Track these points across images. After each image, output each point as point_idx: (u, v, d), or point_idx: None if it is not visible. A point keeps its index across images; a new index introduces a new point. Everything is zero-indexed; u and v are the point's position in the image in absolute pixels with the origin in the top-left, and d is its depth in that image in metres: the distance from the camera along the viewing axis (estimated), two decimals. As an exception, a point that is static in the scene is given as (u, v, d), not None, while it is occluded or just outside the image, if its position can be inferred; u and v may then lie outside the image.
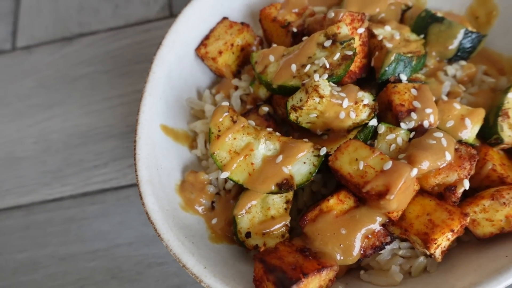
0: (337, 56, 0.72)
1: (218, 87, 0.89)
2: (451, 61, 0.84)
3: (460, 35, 0.81)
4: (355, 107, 0.69)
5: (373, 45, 0.80)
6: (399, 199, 0.60)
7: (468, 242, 0.69)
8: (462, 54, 0.83)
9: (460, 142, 0.71)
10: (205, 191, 0.77)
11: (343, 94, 0.68)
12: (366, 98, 0.70)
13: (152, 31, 1.23)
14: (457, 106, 0.72)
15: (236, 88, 0.87)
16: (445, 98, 0.75)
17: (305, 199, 0.76)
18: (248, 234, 0.70)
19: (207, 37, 0.88)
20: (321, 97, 0.67)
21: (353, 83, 0.78)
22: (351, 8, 0.86)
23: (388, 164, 0.61)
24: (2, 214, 1.05)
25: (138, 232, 0.95)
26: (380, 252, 0.69)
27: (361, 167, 0.63)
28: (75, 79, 1.20)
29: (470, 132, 0.71)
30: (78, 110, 1.15)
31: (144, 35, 1.23)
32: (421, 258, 0.67)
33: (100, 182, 1.04)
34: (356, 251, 0.65)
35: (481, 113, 0.72)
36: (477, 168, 0.71)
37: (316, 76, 0.69)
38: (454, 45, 0.82)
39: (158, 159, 0.76)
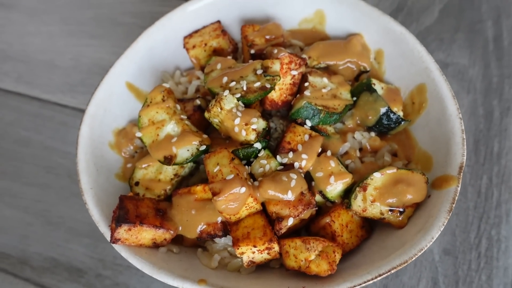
0: (257, 84, 0.88)
1: (188, 72, 1.09)
2: (370, 129, 0.94)
3: (381, 111, 0.91)
4: (246, 128, 0.85)
5: (301, 88, 0.93)
6: (226, 204, 0.77)
7: (280, 268, 0.83)
8: (380, 127, 0.93)
9: (320, 193, 0.84)
10: (133, 141, 1.00)
11: (239, 114, 0.85)
12: (256, 124, 0.85)
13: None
14: (332, 164, 0.84)
15: (198, 78, 1.06)
16: (329, 153, 0.87)
17: (195, 181, 0.95)
18: (137, 183, 0.92)
19: (196, 31, 1.08)
20: (221, 108, 0.85)
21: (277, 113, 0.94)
22: (313, 52, 1.00)
23: (230, 176, 0.78)
24: (26, 99, 1.39)
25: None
26: (215, 241, 0.86)
27: (215, 170, 0.80)
28: (119, 24, 1.48)
29: (331, 188, 0.83)
30: (109, 48, 1.44)
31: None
32: (239, 260, 0.83)
33: (95, 106, 1.33)
34: (195, 230, 0.83)
35: (347, 178, 0.83)
36: (320, 217, 0.83)
37: (226, 91, 0.86)
38: (373, 117, 0.91)
39: (111, 104, 0.99)
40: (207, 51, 1.05)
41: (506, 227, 0.98)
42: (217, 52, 1.06)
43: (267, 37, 1.02)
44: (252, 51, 0.99)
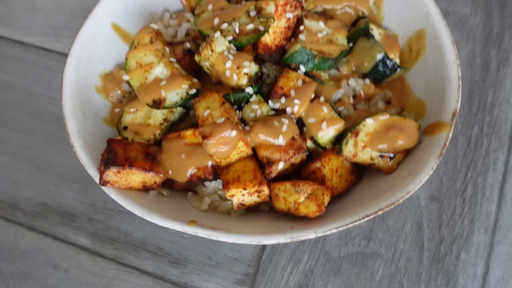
0: (250, 26, 0.84)
1: (178, 15, 1.04)
2: (365, 75, 0.92)
3: (377, 58, 0.88)
4: (237, 71, 0.82)
5: (296, 32, 0.89)
6: (216, 148, 0.76)
7: (269, 211, 0.85)
8: (375, 74, 0.91)
9: (312, 138, 0.83)
10: (120, 85, 0.97)
11: (231, 57, 0.82)
12: (248, 68, 0.82)
13: None
14: (325, 110, 0.83)
15: (188, 20, 1.01)
16: (322, 99, 0.85)
17: (185, 126, 0.93)
18: (125, 128, 0.90)
19: (187, -31, 1.01)
20: (212, 51, 0.81)
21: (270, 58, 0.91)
22: (309, -6, 0.94)
23: (221, 120, 0.76)
24: (8, 42, 1.32)
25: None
26: (206, 184, 0.86)
27: (205, 114, 0.78)
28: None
29: (323, 134, 0.82)
30: (93, -12, 1.36)
31: None
32: (229, 202, 0.84)
33: (81, 51, 1.28)
34: (184, 173, 0.83)
35: (339, 124, 0.82)
36: (310, 162, 0.83)
37: (217, 33, 0.82)
38: (369, 64, 0.89)
39: (96, 46, 0.95)
40: (198, -9, 0.99)
41: (492, 175, 1.00)
42: (208, -7, 1.00)
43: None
44: (246, -10, 0.94)
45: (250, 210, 0.86)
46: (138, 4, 1.01)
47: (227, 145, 0.76)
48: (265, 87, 0.91)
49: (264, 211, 0.86)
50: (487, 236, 0.95)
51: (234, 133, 0.75)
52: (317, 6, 0.94)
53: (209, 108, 0.79)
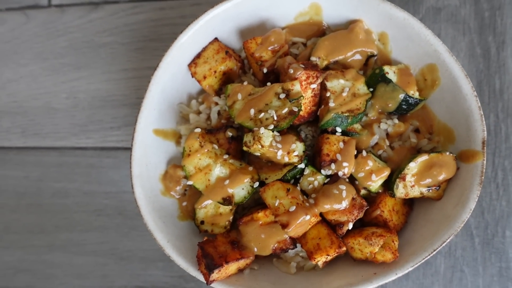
0: (285, 110, 0.93)
1: (203, 97, 1.11)
2: (390, 114, 1.02)
3: (399, 98, 0.97)
4: (288, 155, 0.93)
5: (322, 97, 0.98)
6: (295, 230, 0.89)
7: (345, 257, 1.00)
8: (400, 111, 1.01)
9: (364, 188, 0.96)
10: (180, 182, 1.07)
11: (279, 145, 0.92)
12: (297, 150, 0.93)
13: (166, 10, 1.38)
14: (370, 163, 0.94)
15: (216, 103, 1.09)
16: (364, 153, 0.96)
17: (249, 202, 1.05)
18: (202, 222, 1.03)
19: (198, 56, 1.07)
20: (262, 146, 0.91)
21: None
22: (320, 52, 1.02)
23: (293, 208, 0.89)
24: (43, 151, 1.40)
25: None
26: (287, 251, 1.01)
27: (276, 204, 0.91)
28: (99, 46, 1.42)
29: (374, 184, 0.95)
30: (100, 76, 1.40)
31: (159, 13, 1.39)
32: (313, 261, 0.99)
33: (114, 141, 1.36)
34: (269, 249, 0.96)
35: (385, 172, 0.94)
36: (370, 209, 0.97)
37: (262, 129, 0.91)
38: (393, 105, 0.98)
39: (148, 157, 1.04)
40: (218, 76, 1.06)
41: (516, 156, 1.14)
42: (226, 74, 1.07)
43: (271, 48, 1.03)
44: (265, 70, 1.01)
45: (331, 261, 1.00)
46: (167, 102, 1.08)
47: (303, 226, 0.89)
48: (308, 150, 1.02)
49: (341, 258, 1.01)
50: (524, 211, 1.11)
51: (308, 217, 0.88)
52: (330, 61, 1.02)
53: (277, 197, 0.91)
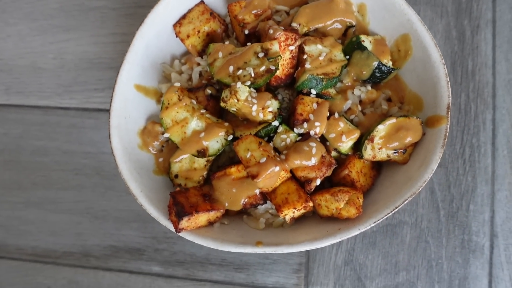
0: (263, 68, 0.96)
1: (186, 58, 1.14)
2: (365, 81, 1.06)
3: (373, 66, 1.02)
4: (263, 111, 0.96)
5: (300, 60, 1.02)
6: (264, 182, 0.92)
7: (313, 215, 1.03)
8: (373, 79, 1.05)
9: (335, 149, 0.99)
10: (157, 138, 1.10)
11: (255, 100, 0.95)
12: (272, 106, 0.96)
13: (157, -21, 1.41)
14: (341, 124, 0.98)
15: (198, 64, 1.12)
16: (337, 115, 1.00)
17: (224, 160, 1.08)
18: (176, 176, 1.05)
19: (183, 17, 1.10)
20: (238, 100, 0.94)
21: (281, 85, 1.04)
22: (301, 19, 1.05)
23: (263, 159, 0.92)
24: (26, 110, 1.41)
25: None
26: (257, 207, 1.03)
27: (248, 155, 0.93)
28: (89, 9, 1.44)
29: (344, 145, 0.98)
30: (89, 39, 1.42)
31: (149, -19, 1.42)
32: (281, 218, 1.02)
33: (97, 102, 1.37)
34: (239, 204, 0.99)
35: (355, 133, 0.98)
36: (339, 169, 1.00)
37: (239, 84, 0.94)
38: (367, 73, 1.03)
39: (128, 110, 1.06)
40: (201, 37, 1.09)
41: (483, 134, 1.18)
42: (210, 35, 1.10)
43: (254, 11, 1.06)
44: (246, 32, 1.04)
45: (298, 219, 1.03)
46: (150, 59, 1.11)
47: (273, 178, 0.92)
48: (284, 111, 1.05)
49: (308, 217, 1.04)
50: (488, 186, 1.15)
51: (277, 168, 0.91)
52: (310, 28, 1.06)
53: (249, 149, 0.94)
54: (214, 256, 1.24)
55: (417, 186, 0.91)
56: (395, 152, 0.98)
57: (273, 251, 0.93)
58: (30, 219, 1.35)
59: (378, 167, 1.04)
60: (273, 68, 0.96)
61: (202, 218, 0.97)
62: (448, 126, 0.93)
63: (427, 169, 0.91)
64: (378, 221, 0.91)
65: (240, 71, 0.97)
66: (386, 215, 0.91)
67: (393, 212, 0.91)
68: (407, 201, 0.91)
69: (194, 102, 1.02)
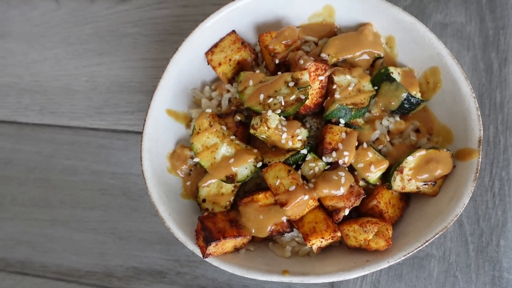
0: (293, 97, 0.98)
1: (216, 85, 1.17)
2: (393, 112, 1.07)
3: (402, 97, 1.02)
4: (292, 139, 0.97)
5: (329, 90, 1.04)
6: (293, 210, 0.92)
7: (340, 245, 1.01)
8: (402, 110, 1.05)
9: (363, 179, 0.99)
10: (186, 162, 1.12)
11: (284, 129, 0.96)
12: (301, 135, 0.97)
13: (189, 8, 1.47)
14: (370, 154, 0.98)
15: (228, 91, 1.15)
16: (365, 145, 1.00)
17: (250, 186, 1.09)
18: (203, 200, 1.06)
19: (215, 45, 1.14)
20: (268, 128, 0.96)
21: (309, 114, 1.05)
22: (330, 50, 1.08)
23: (293, 187, 0.92)
24: (57, 129, 1.46)
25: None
26: (283, 235, 1.03)
27: (277, 183, 0.94)
28: (122, 35, 1.50)
29: (372, 175, 0.98)
30: (120, 63, 1.48)
31: (181, 10, 1.48)
32: (307, 246, 1.01)
33: (127, 125, 1.41)
34: (266, 231, 0.99)
35: (384, 164, 0.98)
36: (367, 200, 1.00)
37: (269, 112, 0.96)
38: (396, 103, 1.03)
39: (159, 134, 1.09)
40: (232, 65, 1.13)
41: (513, 167, 1.16)
42: (240, 64, 1.13)
43: (284, 42, 1.09)
44: (277, 61, 1.07)
45: (325, 248, 1.02)
46: (182, 85, 1.14)
47: (301, 206, 0.92)
48: (312, 140, 1.06)
49: (335, 246, 1.03)
50: (519, 221, 1.13)
51: (306, 197, 0.91)
52: (339, 58, 1.08)
53: (278, 177, 0.95)
54: (236, 282, 1.23)
55: (448, 220, 0.89)
56: (425, 184, 0.97)
57: (299, 281, 0.92)
58: (56, 237, 1.37)
59: (406, 198, 1.03)
60: (303, 97, 0.97)
61: (229, 244, 0.98)
62: (480, 159, 0.92)
63: (458, 203, 0.90)
64: (408, 255, 0.89)
65: (271, 99, 0.99)
66: (416, 249, 0.89)
67: (423, 246, 0.89)
68: (437, 235, 0.89)
69: (224, 128, 1.04)
